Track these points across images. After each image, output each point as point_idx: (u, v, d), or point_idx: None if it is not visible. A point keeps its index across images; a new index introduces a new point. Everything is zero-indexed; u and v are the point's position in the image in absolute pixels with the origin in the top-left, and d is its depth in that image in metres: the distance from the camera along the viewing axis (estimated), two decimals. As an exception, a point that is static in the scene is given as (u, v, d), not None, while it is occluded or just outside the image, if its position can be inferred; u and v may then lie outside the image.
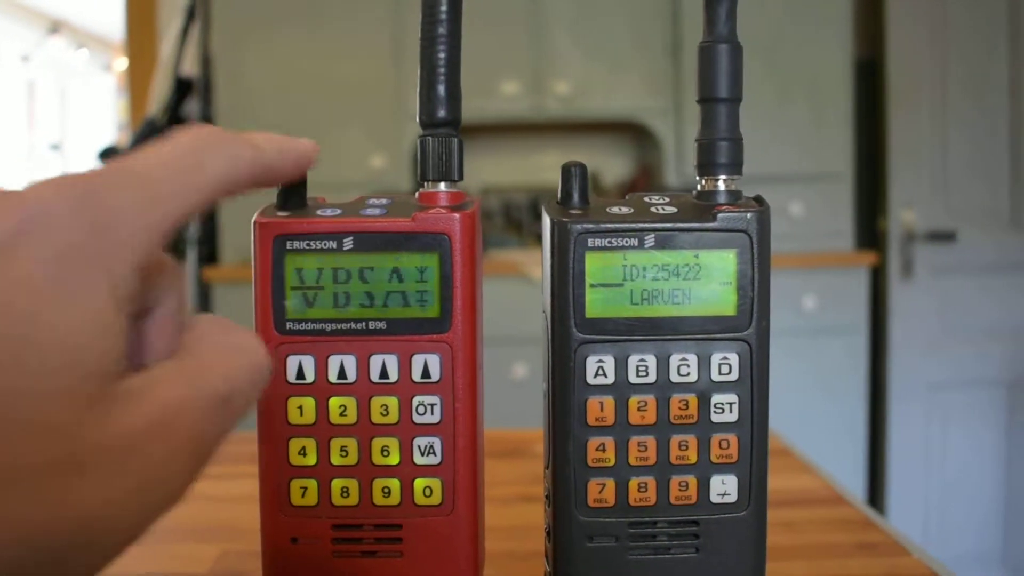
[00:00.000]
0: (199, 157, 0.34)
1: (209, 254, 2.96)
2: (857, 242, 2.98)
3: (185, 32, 3.00)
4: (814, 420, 2.78)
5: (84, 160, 5.55)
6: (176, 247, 2.95)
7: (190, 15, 3.00)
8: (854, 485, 2.90)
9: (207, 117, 2.97)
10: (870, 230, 3.04)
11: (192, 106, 3.00)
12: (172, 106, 2.98)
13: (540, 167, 3.36)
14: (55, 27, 5.97)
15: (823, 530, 0.74)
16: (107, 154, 2.96)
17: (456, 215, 0.43)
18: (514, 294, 2.66)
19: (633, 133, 3.27)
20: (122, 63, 4.90)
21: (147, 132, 2.96)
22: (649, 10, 2.97)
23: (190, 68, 2.99)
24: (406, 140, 2.95)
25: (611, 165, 3.35)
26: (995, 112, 2.89)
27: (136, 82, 3.52)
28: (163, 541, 0.73)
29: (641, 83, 3.00)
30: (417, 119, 0.45)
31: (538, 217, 2.75)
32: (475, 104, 3.01)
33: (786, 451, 0.96)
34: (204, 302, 2.94)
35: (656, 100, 2.98)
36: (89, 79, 6.54)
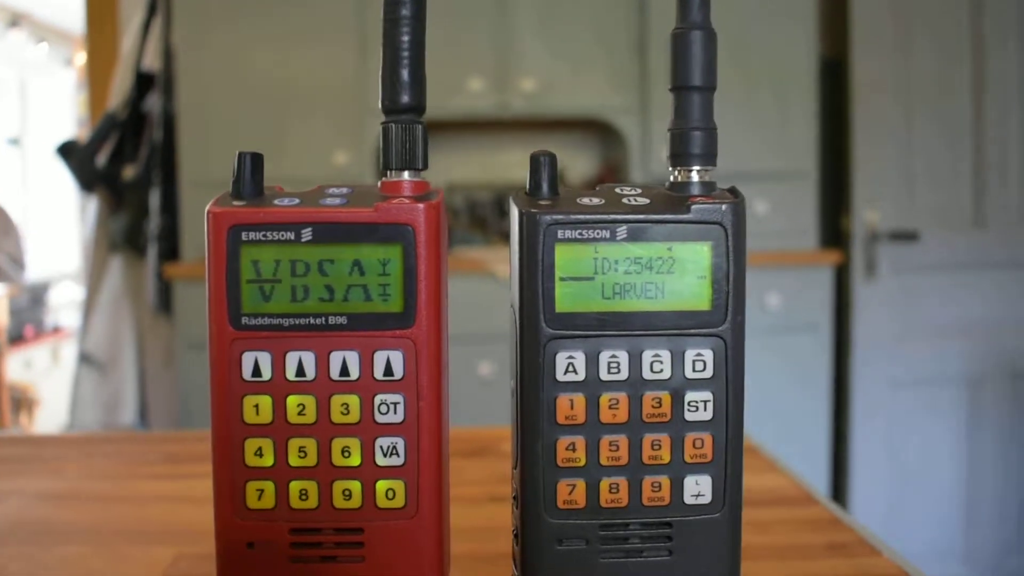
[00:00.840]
0: None
1: (170, 250, 2.92)
2: (821, 241, 2.99)
3: (147, 26, 2.96)
4: (778, 417, 2.79)
5: (43, 154, 5.47)
6: (136, 243, 2.91)
7: (151, 9, 2.96)
8: (817, 481, 2.91)
9: (168, 112, 2.93)
10: (834, 229, 3.05)
11: (153, 100, 2.96)
12: (133, 100, 2.94)
13: (505, 164, 3.34)
14: (15, 20, 5.88)
15: (793, 530, 0.73)
16: (65, 149, 2.91)
17: (420, 205, 0.41)
18: (479, 292, 2.64)
19: (598, 131, 3.26)
20: (82, 57, 4.83)
21: (107, 127, 2.92)
22: (615, 7, 2.96)
23: (151, 62, 2.95)
24: (369, 136, 2.93)
25: (576, 163, 3.34)
26: (958, 113, 2.91)
27: (96, 76, 3.47)
28: (114, 543, 0.70)
29: (607, 81, 2.99)
30: (380, 105, 0.43)
31: (503, 215, 2.75)
32: (440, 101, 3.01)
33: (754, 449, 0.95)
34: (165, 299, 2.90)
35: (622, 98, 2.97)
36: (49, 73, 6.45)
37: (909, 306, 2.93)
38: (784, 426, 2.80)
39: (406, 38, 0.42)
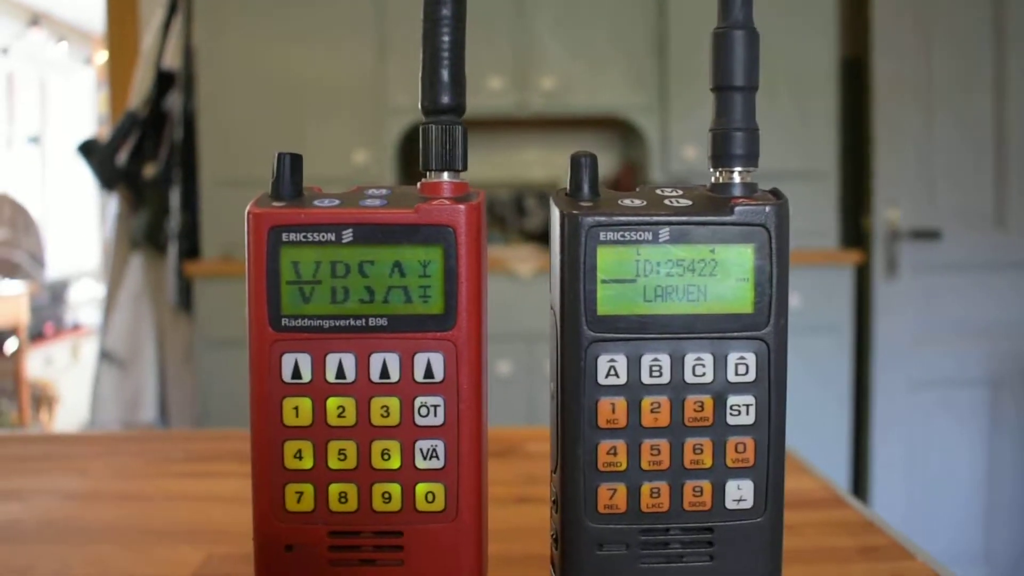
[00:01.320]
0: None
1: (190, 248, 2.93)
2: (842, 240, 2.98)
3: (167, 24, 2.97)
4: (798, 417, 2.76)
5: (63, 153, 5.50)
6: (157, 241, 2.92)
7: (172, 7, 2.97)
8: (838, 482, 2.89)
9: (188, 110, 2.93)
10: (855, 229, 3.03)
11: (173, 99, 2.96)
12: (153, 99, 2.95)
13: (524, 163, 3.34)
14: (35, 19, 5.90)
15: (825, 533, 0.73)
16: (86, 148, 2.93)
17: (461, 206, 0.41)
18: (499, 291, 2.64)
19: (618, 129, 3.25)
20: (103, 56, 4.85)
21: (128, 125, 2.93)
22: (634, 6, 2.95)
23: (172, 61, 2.96)
24: (389, 135, 2.93)
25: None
26: (980, 111, 2.89)
27: (117, 75, 3.48)
28: (142, 543, 0.71)
29: (626, 79, 2.98)
30: (419, 105, 0.43)
31: (522, 213, 2.74)
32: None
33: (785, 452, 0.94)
34: (185, 296, 2.91)
35: (641, 96, 2.96)
36: (69, 72, 6.48)
37: (930, 306, 2.91)
38: (804, 427, 2.79)
39: (447, 38, 0.42)
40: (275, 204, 0.41)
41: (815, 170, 2.92)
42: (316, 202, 0.41)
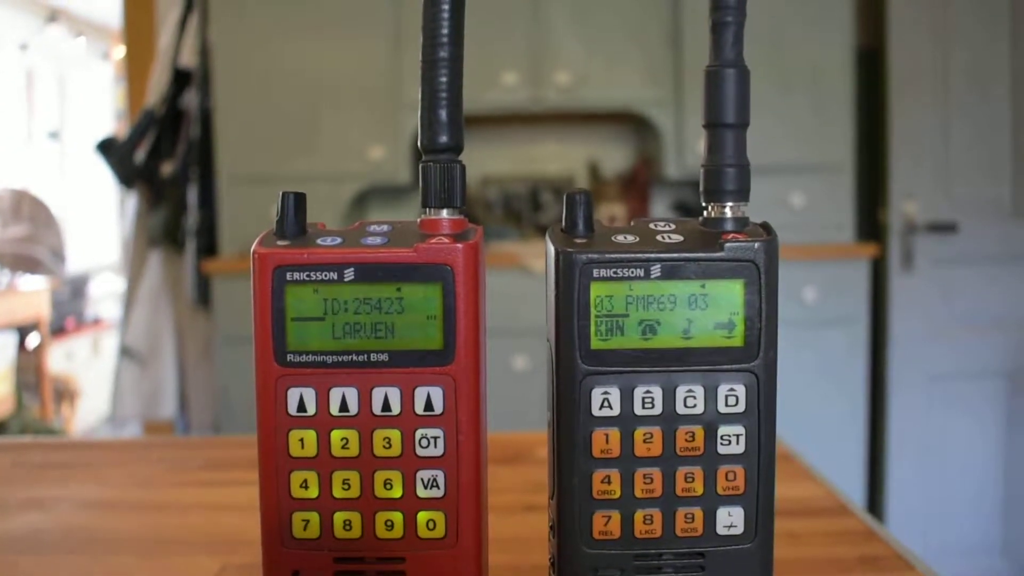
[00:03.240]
0: None
1: (208, 246, 2.96)
2: (858, 233, 2.97)
3: (183, 22, 2.99)
4: (814, 411, 2.78)
5: (82, 147, 5.53)
6: (175, 238, 2.95)
7: (188, 5, 2.99)
8: (853, 477, 2.90)
9: (205, 108, 2.96)
10: (871, 221, 3.03)
11: (190, 97, 2.99)
12: (170, 97, 2.97)
13: (540, 157, 3.35)
14: (53, 15, 5.94)
15: (826, 542, 0.74)
16: (104, 146, 2.95)
17: (459, 246, 0.42)
18: (513, 286, 2.65)
19: (633, 123, 3.26)
20: (120, 51, 4.88)
21: (145, 123, 2.96)
22: (649, 1, 2.95)
23: (188, 58, 2.98)
24: (405, 131, 2.94)
25: (611, 156, 3.34)
26: (997, 103, 2.88)
27: (134, 70, 3.50)
28: (159, 553, 0.72)
29: (641, 73, 2.98)
30: (419, 144, 0.44)
31: (538, 208, 2.75)
32: (474, 95, 3.02)
33: (789, 456, 0.95)
34: (203, 293, 2.93)
35: (656, 91, 2.97)
36: (87, 67, 6.51)
37: (947, 298, 2.90)
38: (820, 420, 2.79)
39: (444, 79, 0.43)
40: (279, 243, 0.43)
41: (830, 163, 2.92)
42: (319, 240, 0.43)
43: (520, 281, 2.68)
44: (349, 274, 0.42)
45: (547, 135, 3.34)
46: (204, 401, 3.05)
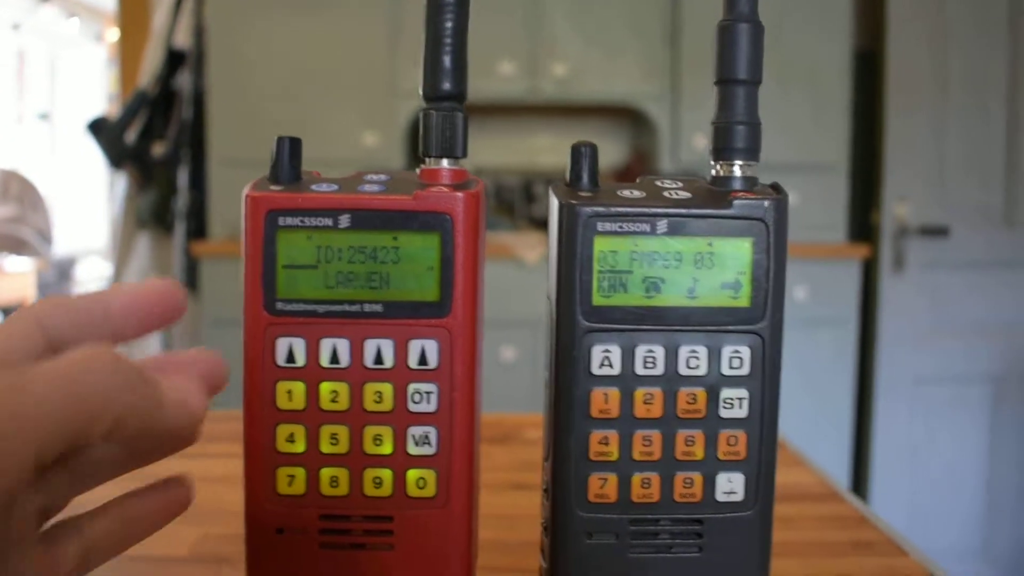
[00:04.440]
0: (94, 405, 0.32)
1: (197, 228, 2.94)
2: (850, 234, 2.97)
3: (178, 3, 2.97)
4: (800, 410, 2.77)
5: (73, 130, 5.50)
6: (164, 220, 2.93)
7: (184, -14, 2.97)
8: (838, 476, 2.89)
9: (198, 89, 2.93)
10: (863, 223, 3.03)
11: (184, 78, 2.96)
12: (164, 78, 2.95)
13: (534, 149, 3.33)
14: (46, -5, 5.91)
15: (819, 527, 0.73)
16: (95, 126, 2.93)
17: (459, 194, 0.41)
18: (505, 277, 2.64)
19: (629, 118, 3.25)
20: (114, 33, 4.85)
21: (137, 104, 2.93)
22: (648, -6, 2.95)
23: (183, 39, 2.95)
24: (399, 118, 2.93)
25: (606, 150, 3.33)
26: (992, 109, 2.88)
27: (127, 53, 3.48)
28: (141, 521, 0.71)
29: (638, 68, 2.97)
30: (420, 91, 0.43)
31: (531, 200, 2.73)
32: (470, 84, 2.98)
33: (781, 444, 0.94)
34: (192, 277, 2.91)
35: (653, 85, 2.96)
36: (80, 49, 6.47)
37: (936, 303, 2.90)
38: (807, 419, 2.79)
39: (449, 24, 0.42)
40: (273, 188, 0.41)
41: (825, 163, 2.91)
42: (314, 187, 0.41)
43: (512, 272, 2.67)
44: (344, 220, 0.40)
45: (542, 127, 3.32)
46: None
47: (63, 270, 5.64)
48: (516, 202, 3.23)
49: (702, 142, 2.84)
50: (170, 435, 0.37)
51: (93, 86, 6.53)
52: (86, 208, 6.10)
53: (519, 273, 2.66)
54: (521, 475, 0.82)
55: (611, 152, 3.33)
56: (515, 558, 0.61)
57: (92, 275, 5.98)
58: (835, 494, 0.81)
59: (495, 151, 3.28)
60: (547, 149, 3.33)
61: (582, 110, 3.24)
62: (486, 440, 0.94)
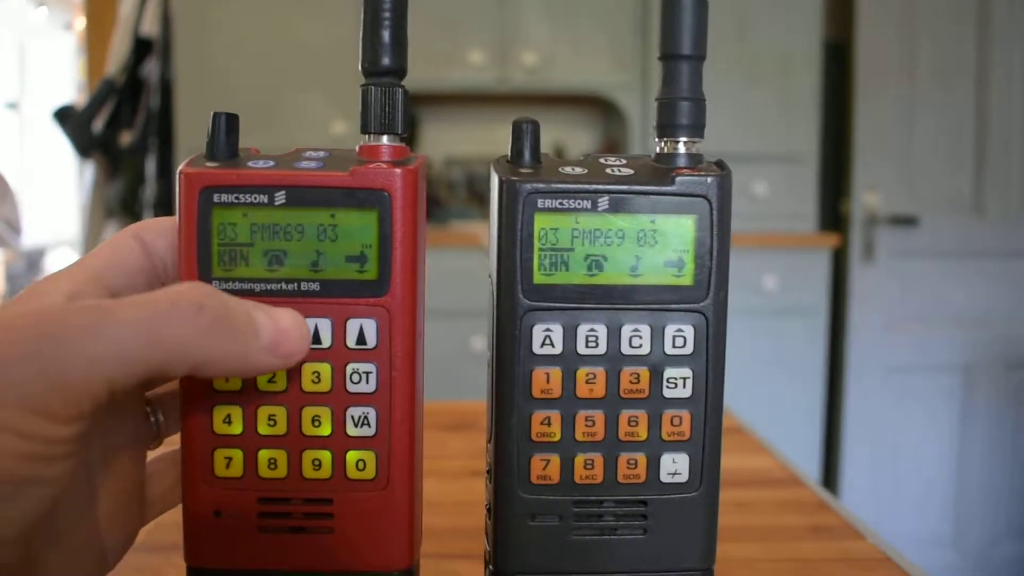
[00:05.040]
0: (171, 349, 0.34)
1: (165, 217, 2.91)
2: (820, 224, 2.98)
3: (146, -11, 2.94)
4: (771, 399, 2.78)
5: (41, 119, 5.45)
6: (132, 209, 2.90)
7: (151, -27, 2.94)
8: (809, 465, 2.91)
9: (166, 78, 2.90)
10: (833, 213, 3.04)
11: (151, 66, 2.94)
12: (131, 66, 2.92)
13: (505, 139, 3.29)
14: (14, -17, 5.84)
15: (776, 511, 0.73)
16: (62, 114, 2.90)
17: (397, 171, 0.40)
18: (474, 267, 2.63)
19: (599, 107, 3.24)
20: (82, 22, 4.80)
21: (105, 92, 2.90)
22: (619, -16, 2.94)
23: (150, 28, 2.93)
24: (369, 108, 2.91)
25: (576, 139, 3.33)
26: (961, 99, 2.89)
27: (95, 41, 3.45)
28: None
29: (608, 57, 2.97)
30: (360, 67, 0.42)
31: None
32: (440, 73, 2.99)
33: (740, 430, 0.95)
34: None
35: (623, 75, 2.95)
36: (48, 37, 6.41)
37: (906, 292, 2.92)
38: (776, 408, 2.80)
39: (388, -1, 0.41)
40: (208, 164, 0.40)
41: (795, 153, 2.92)
42: (251, 163, 0.41)
43: (481, 262, 2.66)
44: (280, 197, 0.40)
45: (512, 116, 3.27)
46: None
47: (32, 261, 5.58)
48: (486, 192, 3.22)
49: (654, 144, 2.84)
50: (258, 373, 0.39)
51: (62, 75, 6.46)
52: (56, 198, 6.04)
53: (488, 264, 2.66)
54: (477, 462, 0.82)
55: (582, 142, 3.33)
56: (468, 544, 0.60)
57: (62, 266, 5.92)
58: (795, 479, 0.81)
59: (465, 141, 3.27)
60: (518, 139, 3.32)
61: (552, 99, 3.23)
62: (443, 427, 0.94)
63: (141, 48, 2.93)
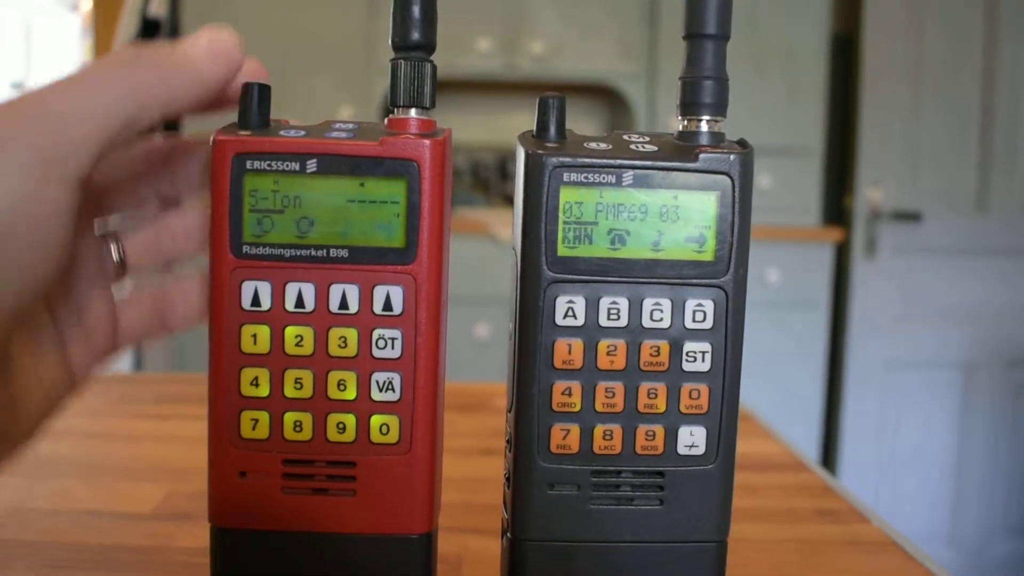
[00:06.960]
0: (139, 85, 0.39)
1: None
2: (823, 218, 2.99)
3: (154, -29, 2.94)
4: (770, 393, 2.79)
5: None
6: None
7: (160, -46, 2.94)
8: (806, 451, 2.92)
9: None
10: (837, 207, 3.05)
11: (158, 47, 2.93)
12: (138, 47, 2.92)
13: (510, 127, 3.32)
14: (21, -38, 5.83)
15: (783, 495, 0.74)
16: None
17: (426, 141, 0.41)
18: (480, 254, 2.64)
19: (605, 97, 3.25)
20: (88, 2, 4.80)
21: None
22: (628, -26, 2.94)
23: (157, 9, 2.93)
24: (376, 92, 2.91)
25: (582, 129, 3.26)
26: (968, 95, 2.90)
27: (102, 22, 3.44)
28: (105, 479, 0.71)
29: (616, 47, 2.97)
30: (390, 41, 0.43)
31: (506, 177, 2.73)
32: (447, 60, 2.99)
33: (749, 416, 0.95)
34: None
35: (630, 65, 2.96)
36: (55, 18, 6.40)
37: (908, 287, 2.93)
38: (777, 402, 2.81)
39: (419, -26, 0.42)
40: (241, 132, 0.41)
41: (801, 146, 2.92)
42: (282, 132, 0.41)
43: (486, 250, 2.67)
44: (311, 165, 0.40)
45: (518, 104, 3.32)
46: (158, 345, 3.01)
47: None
48: (491, 179, 3.23)
49: (678, 123, 2.85)
50: (216, 85, 0.41)
51: (68, 55, 6.46)
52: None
53: (494, 250, 2.66)
54: (488, 441, 0.83)
55: (587, 131, 3.31)
56: (481, 519, 0.61)
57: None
58: (801, 464, 0.82)
59: (471, 128, 3.27)
60: (523, 127, 3.28)
61: (559, 88, 3.22)
62: (455, 407, 0.94)
63: (148, 29, 2.93)
